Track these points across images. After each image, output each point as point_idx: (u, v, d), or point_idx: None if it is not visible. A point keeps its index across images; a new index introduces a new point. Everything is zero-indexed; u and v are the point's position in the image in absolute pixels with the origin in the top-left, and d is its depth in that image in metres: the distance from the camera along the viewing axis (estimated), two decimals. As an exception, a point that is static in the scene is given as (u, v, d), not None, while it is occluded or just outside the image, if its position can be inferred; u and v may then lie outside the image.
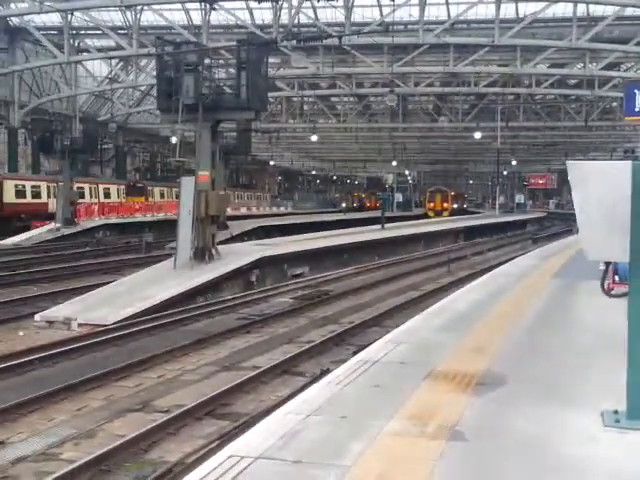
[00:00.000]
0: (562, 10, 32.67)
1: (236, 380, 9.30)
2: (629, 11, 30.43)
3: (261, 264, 19.73)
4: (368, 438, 4.93)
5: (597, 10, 31.51)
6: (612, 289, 10.84)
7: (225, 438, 7.27)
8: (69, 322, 13.18)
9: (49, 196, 40.03)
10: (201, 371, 10.22)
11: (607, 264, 7.54)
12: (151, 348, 11.23)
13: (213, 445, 7.11)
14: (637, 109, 13.00)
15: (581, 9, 30.28)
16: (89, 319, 13.28)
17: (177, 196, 19.68)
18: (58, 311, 13.91)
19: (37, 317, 13.61)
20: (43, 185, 40.74)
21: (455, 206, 69.31)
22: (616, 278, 10.84)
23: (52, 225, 34.03)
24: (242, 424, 7.72)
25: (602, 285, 10.28)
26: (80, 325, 13.10)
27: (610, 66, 36.48)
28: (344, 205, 74.07)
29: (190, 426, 7.79)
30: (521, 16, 31.49)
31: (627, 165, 4.99)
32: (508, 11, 32.60)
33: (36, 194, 39.92)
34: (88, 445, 7.18)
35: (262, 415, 7.76)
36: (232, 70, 24.01)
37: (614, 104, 47.33)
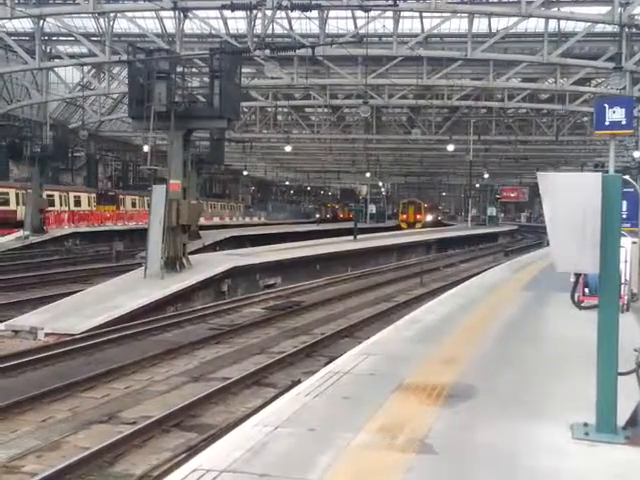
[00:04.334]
0: (534, 25, 33.01)
1: (205, 391, 9.17)
2: (599, 27, 30.82)
3: (233, 274, 19.59)
4: (336, 451, 4.86)
5: (568, 26, 31.90)
6: (582, 301, 10.95)
7: (192, 451, 7.15)
8: (35, 331, 12.93)
9: (18, 203, 39.44)
10: (170, 382, 10.06)
11: (577, 276, 7.60)
12: (119, 358, 11.05)
13: (180, 458, 6.99)
14: (607, 123, 13.11)
15: (552, 25, 30.57)
16: (56, 328, 13.03)
17: (149, 205, 19.45)
18: (24, 320, 13.64)
19: (2, 326, 13.32)
20: (12, 192, 40.08)
21: (429, 218, 68.84)
22: (586, 290, 10.97)
23: (20, 233, 33.48)
24: (210, 436, 7.60)
25: (572, 297, 10.36)
26: (47, 335, 12.85)
27: (581, 81, 36.94)
28: (317, 216, 73.99)
29: (157, 438, 7.65)
30: (494, 31, 31.73)
31: (597, 177, 5.00)
32: (481, 25, 32.89)
33: (4, 201, 39.25)
34: (51, 457, 7.01)
35: (231, 427, 7.66)
36: (205, 79, 23.89)
37: (585, 119, 47.86)
